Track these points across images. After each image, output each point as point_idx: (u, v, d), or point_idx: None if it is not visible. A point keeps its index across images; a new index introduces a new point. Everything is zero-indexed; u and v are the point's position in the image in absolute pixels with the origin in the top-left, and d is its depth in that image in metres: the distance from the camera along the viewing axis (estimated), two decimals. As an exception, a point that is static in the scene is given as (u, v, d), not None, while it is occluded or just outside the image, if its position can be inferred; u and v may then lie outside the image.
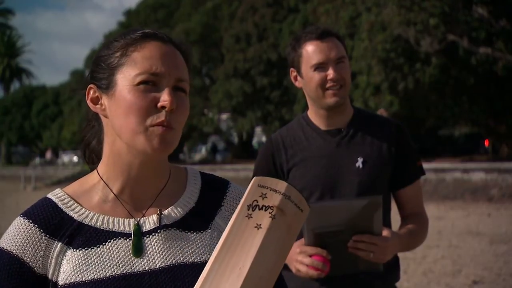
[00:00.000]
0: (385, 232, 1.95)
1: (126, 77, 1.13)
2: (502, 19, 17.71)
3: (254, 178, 1.07)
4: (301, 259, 1.89)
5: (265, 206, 1.04)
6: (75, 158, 45.78)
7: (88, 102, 1.19)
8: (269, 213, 1.03)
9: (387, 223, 2.09)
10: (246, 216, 1.03)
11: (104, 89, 1.17)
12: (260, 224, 1.02)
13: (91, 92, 1.19)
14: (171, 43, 1.18)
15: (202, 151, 40.51)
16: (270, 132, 25.72)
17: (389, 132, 2.12)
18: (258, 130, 34.48)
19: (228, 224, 1.03)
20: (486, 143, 25.33)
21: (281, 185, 1.06)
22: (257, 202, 1.04)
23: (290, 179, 2.11)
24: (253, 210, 1.03)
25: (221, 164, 28.39)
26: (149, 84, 1.13)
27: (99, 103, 1.18)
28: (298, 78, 2.15)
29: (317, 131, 2.13)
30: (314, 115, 2.15)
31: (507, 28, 17.86)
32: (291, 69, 2.17)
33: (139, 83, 1.12)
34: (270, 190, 1.05)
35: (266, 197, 1.04)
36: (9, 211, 16.06)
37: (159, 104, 1.12)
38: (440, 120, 22.36)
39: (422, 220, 2.16)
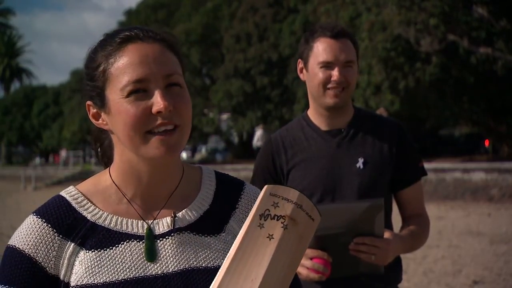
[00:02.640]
0: (386, 234, 1.94)
1: (114, 92, 1.11)
2: (502, 19, 17.69)
3: (266, 186, 1.06)
4: (302, 261, 1.87)
5: (277, 215, 1.03)
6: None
7: (91, 118, 1.18)
8: (281, 223, 1.03)
9: (388, 224, 2.08)
10: (258, 225, 1.02)
11: (99, 107, 1.15)
12: (272, 235, 1.02)
13: (91, 109, 1.17)
14: (151, 39, 1.13)
15: (202, 151, 40.52)
16: (270, 131, 25.70)
17: (390, 133, 2.11)
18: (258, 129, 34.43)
19: (240, 233, 1.02)
20: (486, 143, 25.31)
21: (293, 194, 1.05)
22: (269, 211, 1.03)
23: (290, 180, 2.10)
24: (265, 220, 1.03)
25: (221, 164, 28.37)
26: (139, 92, 1.09)
27: (100, 119, 1.16)
28: (304, 71, 2.13)
29: (317, 131, 2.12)
30: (315, 114, 2.14)
31: (507, 28, 17.85)
32: (299, 60, 2.15)
33: (128, 94, 1.09)
34: (282, 199, 1.04)
35: (278, 206, 1.04)
36: (10, 211, 16.06)
37: (153, 110, 1.09)
38: (440, 120, 22.35)
39: (424, 221, 2.15)
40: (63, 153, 42.78)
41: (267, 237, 1.02)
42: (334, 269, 1.88)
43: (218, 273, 1.00)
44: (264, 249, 1.01)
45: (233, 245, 1.02)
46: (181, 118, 1.12)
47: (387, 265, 1.97)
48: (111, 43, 1.13)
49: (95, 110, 1.17)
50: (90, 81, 1.15)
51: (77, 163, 43.42)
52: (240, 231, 1.03)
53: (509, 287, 6.58)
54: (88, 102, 1.17)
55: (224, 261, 1.01)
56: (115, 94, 1.11)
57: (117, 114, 1.11)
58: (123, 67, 1.10)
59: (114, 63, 1.11)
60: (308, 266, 1.87)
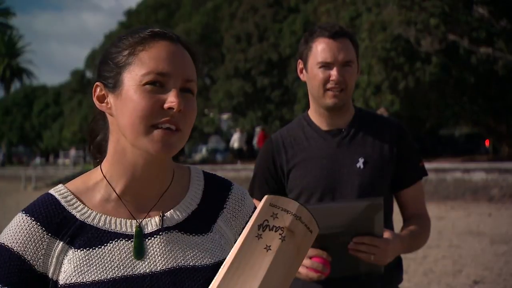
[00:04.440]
0: (386, 234, 1.93)
1: (133, 77, 1.13)
2: (503, 19, 17.69)
3: (266, 196, 1.05)
4: (301, 260, 1.88)
5: (275, 226, 1.03)
6: (67, 161, 45.78)
7: (94, 100, 1.19)
8: (279, 234, 1.02)
9: (389, 224, 2.08)
10: (256, 236, 1.02)
11: (110, 88, 1.16)
12: (270, 246, 1.01)
13: (98, 90, 1.18)
14: (179, 43, 1.18)
15: (203, 151, 40.50)
16: (270, 131, 25.69)
17: (390, 132, 2.11)
18: (258, 130, 34.46)
19: (237, 243, 1.03)
20: (487, 143, 25.28)
21: (293, 205, 1.05)
22: (268, 222, 1.03)
23: (290, 180, 2.10)
24: (263, 231, 1.02)
25: (221, 164, 28.37)
26: (156, 85, 1.12)
27: (105, 101, 1.17)
28: (304, 71, 2.14)
29: (317, 131, 2.12)
30: (315, 114, 2.14)
31: (508, 28, 17.84)
32: (299, 60, 2.15)
33: (145, 84, 1.12)
34: (281, 210, 1.04)
35: (277, 217, 1.03)
36: (10, 211, 16.04)
37: (165, 105, 1.11)
38: (440, 120, 22.33)
39: (424, 221, 2.15)
40: (72, 152, 42.66)
41: (265, 248, 1.02)
42: (333, 268, 1.88)
43: (214, 280, 1.00)
44: (260, 260, 1.01)
45: (230, 254, 1.02)
46: (185, 124, 1.14)
47: (388, 265, 1.96)
48: (142, 33, 1.16)
49: (102, 93, 1.18)
50: (110, 61, 1.16)
51: (78, 163, 43.36)
52: (238, 241, 1.03)
53: (509, 287, 6.57)
54: (97, 83, 1.18)
55: (220, 269, 1.01)
56: (132, 80, 1.13)
57: (128, 100, 1.12)
58: (150, 57, 1.13)
59: (143, 50, 1.14)
60: (307, 265, 1.87)
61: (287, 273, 1.02)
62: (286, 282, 1.02)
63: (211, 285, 1.00)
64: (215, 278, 1.00)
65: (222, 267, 1.01)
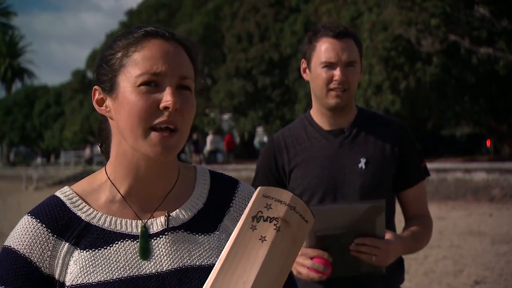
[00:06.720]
0: (388, 235, 1.93)
1: (128, 79, 1.12)
2: (504, 19, 17.67)
3: (259, 188, 1.05)
4: (302, 261, 1.87)
5: (270, 217, 1.02)
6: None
7: (94, 103, 1.19)
8: (274, 224, 1.01)
9: (391, 225, 2.08)
10: (251, 228, 1.01)
11: (108, 91, 1.16)
12: (265, 237, 1.01)
13: (97, 94, 1.18)
14: (174, 40, 1.16)
15: (204, 151, 40.49)
16: (271, 132, 25.68)
17: (392, 132, 2.10)
18: (259, 130, 34.46)
19: (232, 235, 1.02)
20: (488, 143, 25.26)
21: (286, 196, 1.04)
22: (262, 213, 1.02)
23: (292, 180, 2.10)
24: (257, 222, 1.02)
25: (222, 164, 28.36)
26: (151, 85, 1.11)
27: (104, 105, 1.17)
28: (307, 71, 2.13)
29: (319, 131, 2.12)
30: (317, 114, 2.14)
31: (509, 28, 17.83)
32: (303, 60, 2.15)
33: (140, 84, 1.11)
34: (275, 200, 1.03)
35: (271, 208, 1.03)
36: (11, 211, 16.06)
37: (161, 105, 1.10)
38: (441, 120, 22.32)
39: (426, 222, 2.14)
40: (87, 151, 42.42)
41: (260, 239, 1.01)
42: (335, 269, 1.88)
43: (210, 275, 1.00)
44: (256, 251, 1.00)
45: (225, 247, 1.02)
46: (183, 122, 1.13)
47: (390, 266, 1.96)
48: (135, 34, 1.15)
49: (100, 96, 1.18)
50: (105, 64, 1.16)
51: (79, 163, 43.34)
52: (233, 233, 1.02)
53: (510, 287, 6.57)
54: (95, 87, 1.18)
55: (216, 263, 1.01)
56: (127, 82, 1.12)
57: (125, 102, 1.12)
58: (143, 57, 1.12)
59: (136, 51, 1.13)
60: (308, 265, 1.87)
61: (284, 264, 1.02)
62: (283, 273, 1.02)
63: (207, 280, 0.99)
64: (211, 272, 1.00)
65: (218, 261, 1.00)
